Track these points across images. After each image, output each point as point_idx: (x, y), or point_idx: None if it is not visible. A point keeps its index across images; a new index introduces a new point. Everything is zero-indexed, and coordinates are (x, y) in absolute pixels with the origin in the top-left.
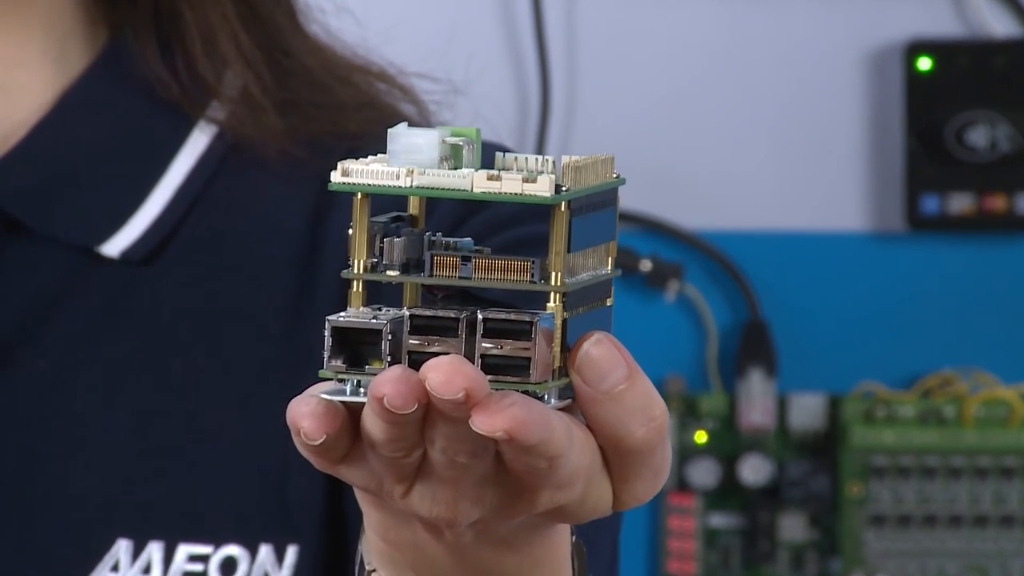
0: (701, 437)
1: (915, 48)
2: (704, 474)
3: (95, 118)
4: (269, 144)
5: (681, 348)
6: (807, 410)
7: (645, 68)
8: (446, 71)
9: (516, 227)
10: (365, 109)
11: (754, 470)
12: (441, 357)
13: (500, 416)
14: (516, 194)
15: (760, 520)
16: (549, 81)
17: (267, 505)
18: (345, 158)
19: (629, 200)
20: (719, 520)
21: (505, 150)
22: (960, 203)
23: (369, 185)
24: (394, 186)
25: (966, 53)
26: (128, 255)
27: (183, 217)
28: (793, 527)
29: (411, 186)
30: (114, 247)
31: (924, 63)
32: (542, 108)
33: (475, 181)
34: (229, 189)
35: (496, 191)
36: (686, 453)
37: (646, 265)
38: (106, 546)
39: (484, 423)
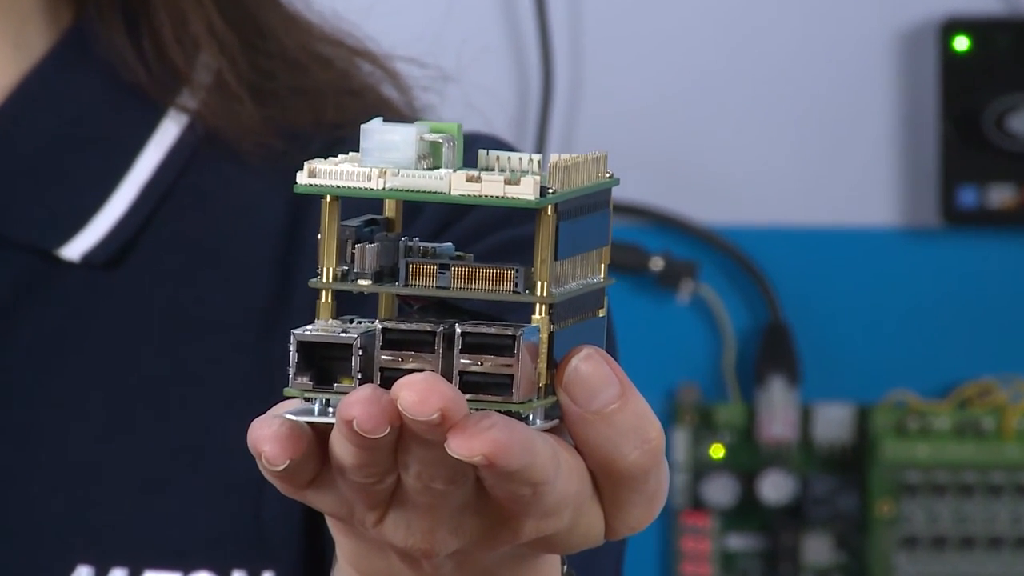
0: (717, 451)
1: (951, 27)
2: (720, 492)
3: (55, 108)
4: (244, 135)
5: (695, 354)
6: (833, 422)
7: (656, 50)
8: (437, 55)
9: (507, 229)
10: (346, 94)
11: (775, 487)
12: (415, 374)
13: (479, 439)
14: (497, 197)
15: (782, 542)
16: (552, 65)
17: (240, 528)
18: (326, 149)
19: (639, 193)
20: (737, 542)
21: (500, 144)
22: (1000, 195)
23: (338, 187)
24: (365, 188)
25: (1006, 32)
26: (90, 258)
27: (150, 216)
28: (818, 550)
29: (384, 188)
30: (75, 250)
31: (961, 43)
32: (543, 95)
33: (453, 183)
34: (201, 185)
35: (476, 194)
36: (701, 469)
37: (657, 264)
38: (65, 572)
39: (461, 447)
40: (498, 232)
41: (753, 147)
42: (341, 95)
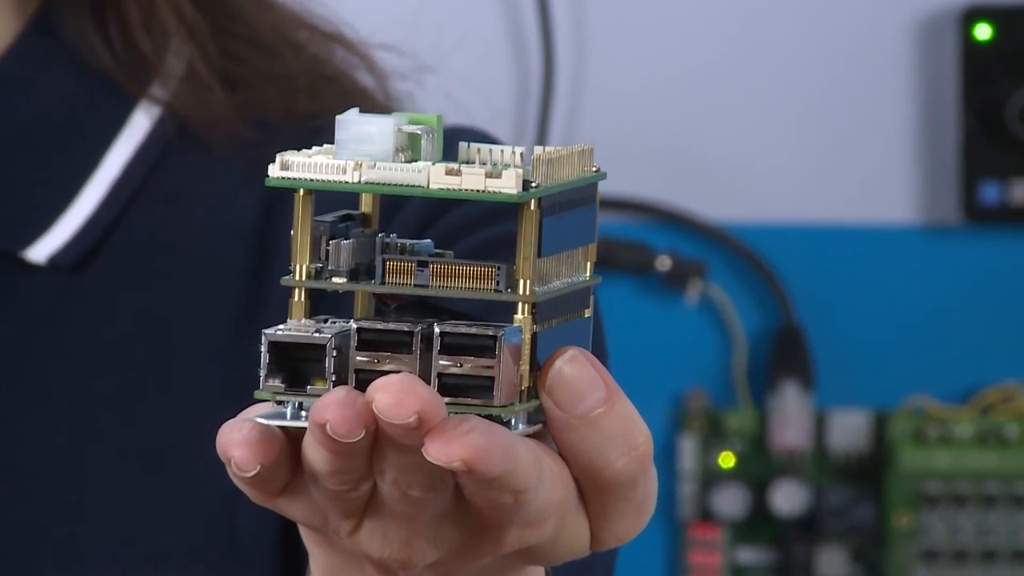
0: (727, 460)
1: (972, 14)
2: (730, 503)
3: (20, 101)
4: (216, 127)
5: (704, 358)
6: (849, 429)
7: (664, 37)
8: (422, 40)
9: (492, 226)
10: (320, 82)
11: (788, 498)
12: (391, 376)
13: (457, 444)
14: (478, 191)
15: (795, 555)
16: (553, 52)
17: (214, 537)
18: (299, 139)
19: (644, 188)
20: (748, 555)
21: (485, 138)
22: None
23: (312, 180)
24: (340, 181)
25: None
26: (57, 261)
27: (120, 215)
28: (833, 563)
29: (359, 181)
30: (40, 252)
31: (983, 31)
32: (544, 84)
33: (432, 176)
34: (172, 181)
35: (455, 187)
36: (710, 478)
37: (663, 263)
38: None
39: (439, 452)
40: (483, 229)
41: (765, 140)
42: (315, 82)
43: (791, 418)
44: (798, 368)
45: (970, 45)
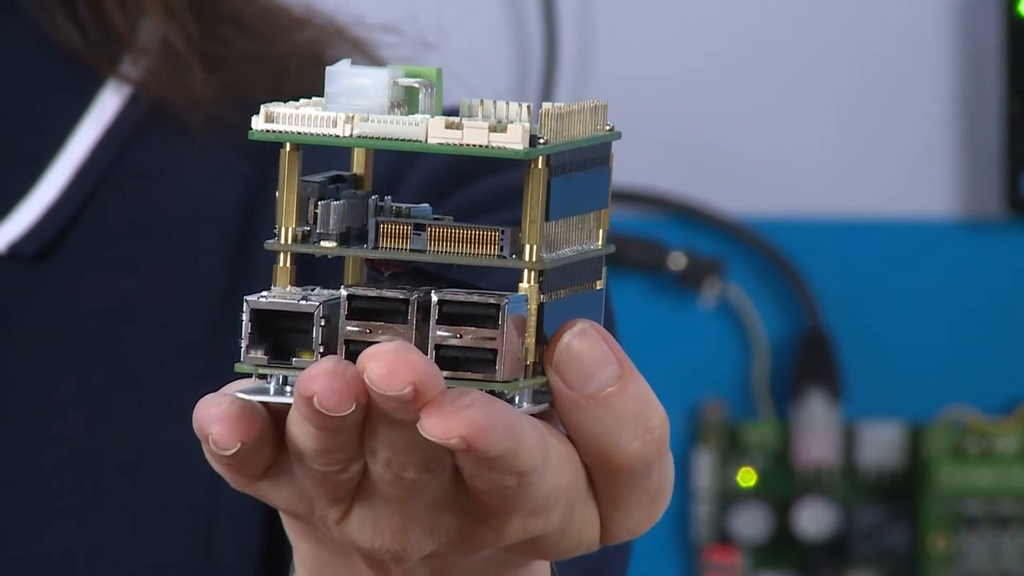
0: (748, 478)
1: None
2: (751, 524)
3: None
4: (194, 106)
5: (722, 365)
6: (880, 443)
7: (678, 15)
8: (418, 21)
9: (514, 208)
10: (308, 64)
11: (814, 519)
12: (384, 343)
13: (456, 419)
14: (481, 146)
15: None
16: (556, 32)
17: (191, 552)
18: None
19: (657, 180)
20: None
21: None
22: None
23: (299, 134)
24: (330, 135)
25: None
26: (18, 249)
27: (87, 200)
28: None
29: (351, 135)
30: None
31: None
32: (546, 67)
33: (430, 129)
34: (145, 164)
35: (456, 142)
36: (729, 497)
37: (678, 261)
38: None
39: (436, 427)
40: (504, 211)
41: (789, 126)
42: (305, 65)
43: (817, 431)
44: (825, 377)
45: (1014, 22)
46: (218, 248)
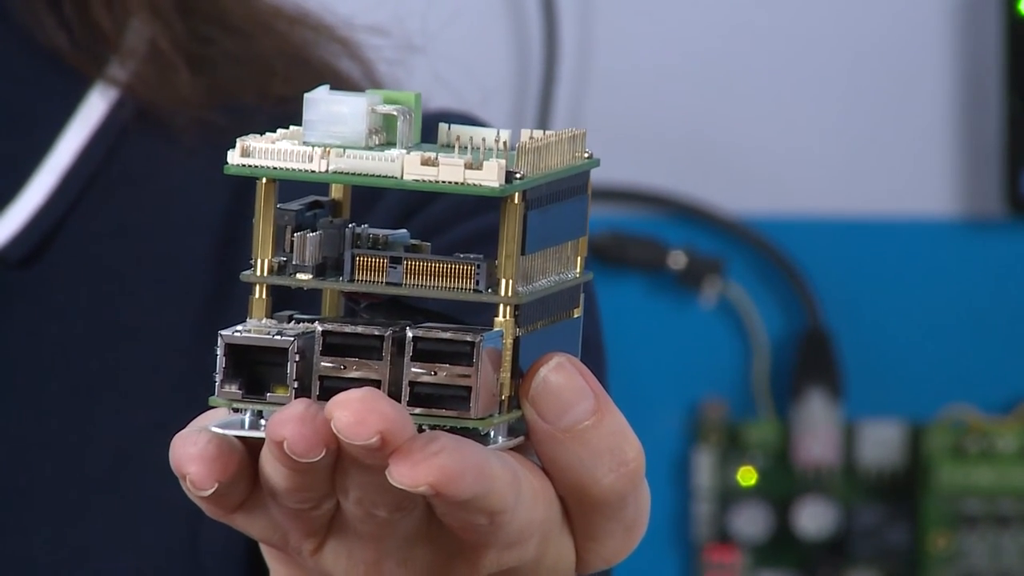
0: (748, 477)
1: None
2: (751, 523)
3: None
4: (181, 110)
5: (722, 364)
6: (881, 442)
7: (679, 11)
8: (412, 17)
9: (480, 216)
10: (295, 65)
11: (814, 518)
12: (352, 391)
13: (424, 467)
14: (456, 183)
15: None
16: (556, 28)
17: (174, 556)
18: (273, 125)
19: (656, 178)
20: None
21: (472, 122)
22: None
23: (275, 169)
24: (305, 171)
25: None
26: (3, 255)
27: (73, 205)
28: None
29: (326, 171)
30: None
31: None
32: (546, 63)
33: (406, 166)
34: (131, 169)
35: (432, 179)
36: (729, 497)
37: (678, 260)
38: None
39: (404, 476)
40: (469, 221)
41: (789, 125)
42: (290, 66)
43: (817, 431)
44: (825, 376)
45: (1015, 22)
46: (203, 253)
